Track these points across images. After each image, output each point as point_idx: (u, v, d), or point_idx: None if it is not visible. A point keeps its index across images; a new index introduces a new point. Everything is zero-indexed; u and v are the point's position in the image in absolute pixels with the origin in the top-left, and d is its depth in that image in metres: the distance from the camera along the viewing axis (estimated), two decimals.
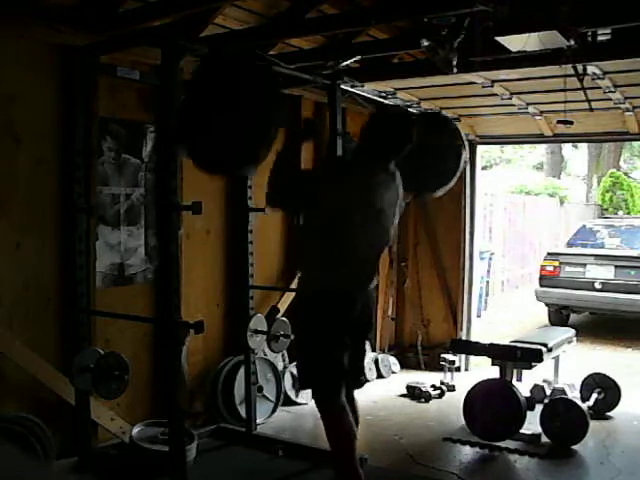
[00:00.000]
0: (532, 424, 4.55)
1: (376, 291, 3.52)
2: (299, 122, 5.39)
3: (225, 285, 4.92)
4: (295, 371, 5.24)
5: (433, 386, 5.67)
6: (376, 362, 6.22)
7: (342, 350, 3.21)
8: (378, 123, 3.38)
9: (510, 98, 5.17)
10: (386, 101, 5.22)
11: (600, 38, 3.68)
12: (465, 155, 4.29)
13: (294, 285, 5.00)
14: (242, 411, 4.66)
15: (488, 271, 10.28)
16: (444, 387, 5.67)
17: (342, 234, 3.18)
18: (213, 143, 3.17)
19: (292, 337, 3.66)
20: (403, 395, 5.69)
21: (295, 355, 3.54)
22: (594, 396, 5.03)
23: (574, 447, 4.42)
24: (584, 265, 8.74)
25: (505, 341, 4.94)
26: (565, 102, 4.54)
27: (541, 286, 9.05)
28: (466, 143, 4.42)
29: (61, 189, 3.77)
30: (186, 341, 4.21)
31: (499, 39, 3.34)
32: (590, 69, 4.04)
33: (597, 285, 8.51)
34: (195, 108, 3.23)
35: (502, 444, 4.44)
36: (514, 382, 4.65)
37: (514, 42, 3.37)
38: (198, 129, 3.22)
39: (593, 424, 4.56)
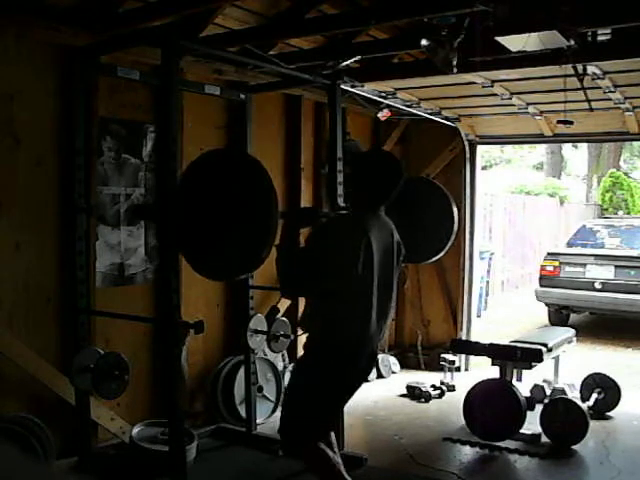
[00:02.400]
0: (532, 424, 4.55)
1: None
2: (299, 121, 5.42)
3: (225, 285, 4.92)
4: None
5: (433, 386, 5.67)
6: (376, 362, 6.22)
7: (340, 406, 3.20)
8: (362, 168, 3.28)
9: (510, 98, 5.17)
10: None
11: (600, 38, 3.68)
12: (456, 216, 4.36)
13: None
14: (242, 411, 4.66)
15: (488, 271, 10.28)
16: (444, 387, 5.67)
17: (345, 287, 3.03)
18: (213, 257, 3.26)
19: (289, 390, 3.51)
20: (403, 395, 5.69)
21: (284, 404, 3.43)
22: (594, 396, 5.03)
23: (574, 447, 4.42)
24: (584, 265, 8.74)
25: (505, 341, 4.94)
26: (565, 102, 4.54)
27: (541, 286, 9.05)
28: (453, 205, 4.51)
29: (61, 189, 3.77)
30: (186, 341, 4.22)
31: (499, 39, 3.34)
32: (590, 69, 4.04)
33: (597, 285, 8.51)
34: (188, 222, 3.29)
35: (502, 444, 4.44)
36: (514, 382, 4.66)
37: (514, 42, 3.37)
38: (196, 244, 3.30)
39: (593, 424, 4.56)
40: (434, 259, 4.74)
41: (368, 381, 5.84)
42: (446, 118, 6.09)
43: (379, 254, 3.08)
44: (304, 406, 3.13)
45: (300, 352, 5.23)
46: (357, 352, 3.10)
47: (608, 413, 5.07)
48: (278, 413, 4.97)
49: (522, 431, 4.51)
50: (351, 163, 3.39)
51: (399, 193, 3.18)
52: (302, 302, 3.41)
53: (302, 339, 3.35)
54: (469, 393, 4.67)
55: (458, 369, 6.08)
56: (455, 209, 4.57)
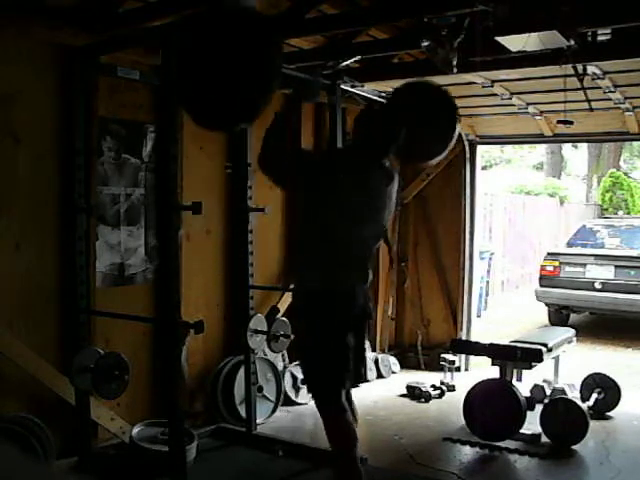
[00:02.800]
0: (532, 424, 4.55)
1: (373, 289, 3.44)
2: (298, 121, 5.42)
3: (225, 285, 4.92)
4: (295, 371, 5.26)
5: (433, 386, 5.66)
6: (376, 362, 6.22)
7: (347, 347, 3.16)
8: (369, 117, 3.33)
9: (510, 98, 5.17)
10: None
11: (600, 38, 3.68)
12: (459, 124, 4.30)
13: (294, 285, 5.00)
14: (242, 411, 4.66)
15: (488, 271, 10.28)
16: (444, 387, 5.67)
17: (337, 225, 3.12)
18: (209, 97, 3.08)
19: (292, 338, 3.60)
20: (403, 395, 5.68)
21: (298, 358, 3.48)
22: (594, 396, 5.03)
23: (574, 447, 4.42)
24: (584, 265, 8.74)
25: (505, 341, 4.94)
26: (565, 102, 4.54)
27: (541, 286, 9.05)
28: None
29: (61, 189, 3.77)
30: (186, 341, 4.22)
31: (499, 39, 3.34)
32: (590, 69, 4.04)
33: (597, 285, 8.51)
34: (188, 63, 3.11)
35: (502, 444, 4.44)
36: (514, 382, 4.65)
37: (514, 42, 3.37)
38: (193, 84, 3.12)
39: (593, 424, 4.56)
40: (438, 158, 4.61)
41: (368, 381, 5.88)
42: None
43: (368, 201, 3.14)
44: (317, 360, 3.18)
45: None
46: (345, 291, 3.16)
47: (608, 413, 5.07)
48: (278, 413, 4.98)
49: (522, 431, 4.51)
50: (359, 113, 3.41)
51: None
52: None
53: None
54: (469, 393, 4.67)
55: (458, 369, 6.08)
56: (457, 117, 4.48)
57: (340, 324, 3.16)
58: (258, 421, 4.61)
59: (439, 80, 4.58)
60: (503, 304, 11.39)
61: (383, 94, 5.21)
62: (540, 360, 4.62)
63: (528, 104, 5.44)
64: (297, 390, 5.27)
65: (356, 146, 3.36)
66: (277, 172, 3.23)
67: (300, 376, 5.21)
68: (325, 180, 3.13)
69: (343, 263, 3.17)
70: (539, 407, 4.64)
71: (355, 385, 3.40)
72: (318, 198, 3.16)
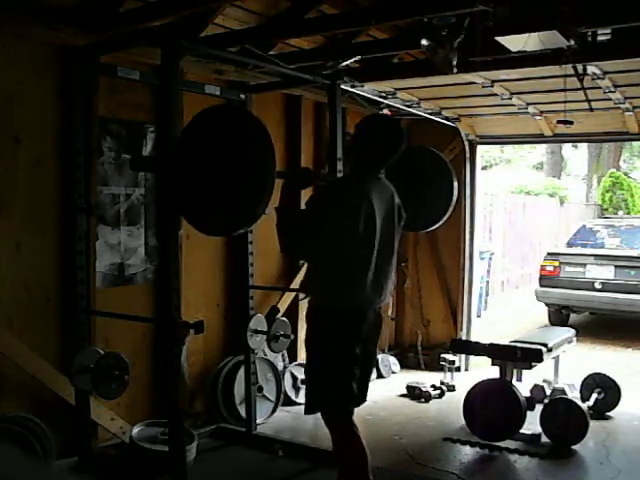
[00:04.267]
0: (532, 424, 4.55)
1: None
2: (299, 121, 5.42)
3: (225, 285, 4.92)
4: (295, 371, 5.26)
5: (433, 386, 5.67)
6: (376, 362, 6.22)
7: (355, 368, 3.12)
8: (363, 131, 3.30)
9: (510, 98, 5.17)
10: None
11: (600, 38, 3.68)
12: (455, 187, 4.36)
13: (294, 285, 5.00)
14: (242, 411, 4.66)
15: (488, 271, 10.27)
16: (444, 387, 5.67)
17: (347, 247, 3.07)
18: (210, 211, 3.24)
19: (305, 359, 3.51)
20: (403, 395, 5.69)
21: (306, 375, 3.42)
22: (594, 396, 5.03)
23: (574, 447, 4.42)
24: (584, 265, 8.74)
25: (505, 341, 4.94)
26: (565, 102, 4.54)
27: (541, 286, 9.05)
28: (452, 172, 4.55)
29: (61, 189, 3.77)
30: (186, 341, 4.22)
31: (499, 39, 3.33)
32: (590, 69, 4.04)
33: (597, 285, 8.51)
34: (187, 175, 3.28)
35: (502, 444, 4.44)
36: (514, 382, 4.65)
37: (514, 42, 3.36)
38: (193, 197, 3.28)
39: (593, 424, 4.56)
40: (432, 228, 4.71)
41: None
42: (446, 118, 6.10)
43: (380, 216, 3.10)
44: (325, 376, 3.13)
45: (299, 352, 5.27)
46: (360, 312, 3.11)
47: (608, 413, 5.07)
48: (278, 413, 4.98)
49: (522, 431, 4.51)
50: (356, 126, 3.39)
51: (400, 160, 3.21)
52: (303, 303, 3.40)
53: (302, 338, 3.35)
54: (469, 393, 4.67)
55: (458, 369, 6.08)
56: (455, 180, 4.56)
57: (351, 337, 3.11)
58: (258, 421, 4.61)
59: (439, 80, 4.62)
60: (503, 304, 11.39)
61: (383, 94, 5.21)
62: (540, 360, 4.62)
63: (528, 104, 5.44)
64: (297, 390, 5.27)
65: (359, 160, 3.29)
66: (302, 255, 3.38)
67: (300, 376, 5.21)
68: (337, 213, 3.06)
69: (362, 281, 3.10)
70: (539, 407, 4.65)
71: (358, 405, 3.34)
72: (335, 229, 3.08)
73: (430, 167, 4.62)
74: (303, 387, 4.95)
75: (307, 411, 3.21)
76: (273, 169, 3.13)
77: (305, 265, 3.48)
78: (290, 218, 3.12)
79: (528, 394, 4.86)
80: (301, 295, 3.72)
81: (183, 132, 3.43)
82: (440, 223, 4.59)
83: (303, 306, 4.31)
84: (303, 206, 3.35)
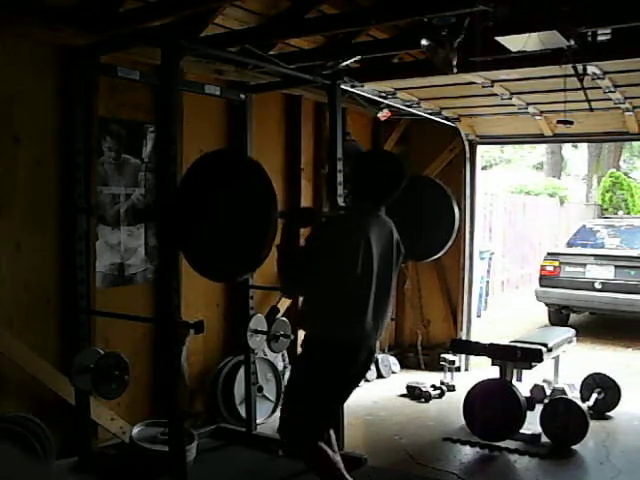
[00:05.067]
0: (532, 424, 4.55)
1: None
2: (299, 121, 5.42)
3: (225, 285, 4.91)
4: None
5: (433, 386, 5.67)
6: (376, 362, 6.22)
7: (339, 402, 3.16)
8: (363, 166, 3.29)
9: (510, 98, 5.17)
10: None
11: (600, 38, 3.68)
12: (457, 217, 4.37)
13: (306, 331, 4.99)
14: (242, 411, 4.66)
15: (488, 271, 10.27)
16: (444, 387, 5.67)
17: (344, 283, 3.05)
18: (213, 258, 3.28)
19: (288, 380, 3.52)
20: (403, 395, 5.69)
21: (284, 403, 3.44)
22: (594, 396, 5.03)
23: (574, 447, 4.42)
24: (584, 265, 8.74)
25: (505, 341, 4.94)
26: (565, 102, 4.54)
27: (541, 286, 9.05)
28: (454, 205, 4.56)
29: (61, 189, 3.77)
30: (186, 341, 4.22)
31: (499, 39, 3.33)
32: (590, 69, 4.04)
33: (597, 285, 8.51)
34: (189, 221, 3.32)
35: (502, 444, 4.44)
36: (514, 382, 4.66)
37: (514, 42, 3.36)
38: (196, 244, 3.32)
39: (593, 424, 4.56)
40: (434, 258, 4.76)
41: (368, 380, 5.89)
42: (446, 118, 6.09)
43: (378, 254, 3.08)
44: (303, 404, 3.12)
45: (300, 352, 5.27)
46: (354, 350, 3.10)
47: (608, 413, 5.07)
48: (278, 413, 4.97)
49: (522, 431, 4.51)
50: (352, 162, 3.38)
51: (401, 192, 3.19)
52: (301, 301, 3.40)
53: (301, 337, 3.35)
54: (469, 393, 4.67)
55: (458, 369, 6.08)
56: (456, 209, 4.58)
57: (339, 377, 3.11)
58: (258, 421, 4.61)
59: (439, 80, 4.62)
60: (503, 304, 11.39)
61: (383, 94, 5.21)
62: (540, 360, 4.62)
63: (528, 104, 5.44)
64: None
65: (361, 195, 3.27)
66: (301, 292, 3.35)
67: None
68: (337, 251, 3.05)
69: (359, 316, 3.08)
70: (539, 407, 4.65)
71: None
72: (333, 267, 3.07)
73: (430, 197, 4.64)
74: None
75: (280, 430, 3.24)
76: (275, 216, 3.15)
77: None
78: (290, 256, 3.10)
79: (528, 394, 4.86)
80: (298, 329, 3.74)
81: (182, 180, 3.47)
82: (442, 252, 4.62)
83: None
84: (302, 243, 3.37)
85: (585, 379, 5.21)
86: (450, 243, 4.60)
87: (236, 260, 3.26)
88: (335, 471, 3.10)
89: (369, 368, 3.34)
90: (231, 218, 3.20)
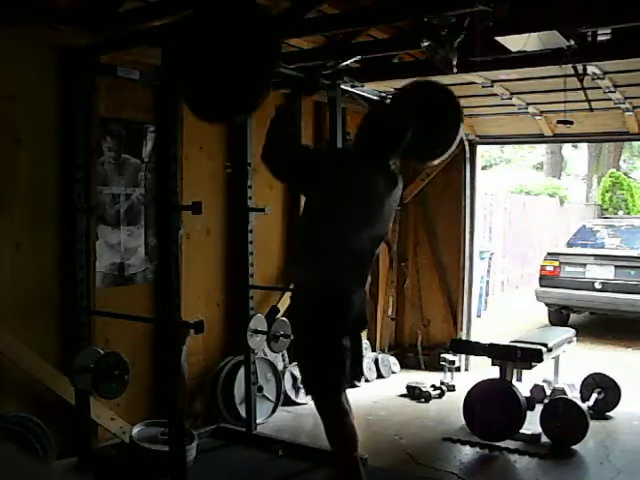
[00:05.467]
0: (532, 424, 4.55)
1: (373, 289, 3.41)
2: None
3: (225, 285, 4.92)
4: (295, 371, 5.25)
5: (433, 386, 5.66)
6: (376, 362, 6.22)
7: (343, 348, 3.15)
8: (373, 122, 3.32)
9: (510, 98, 5.17)
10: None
11: (600, 38, 3.68)
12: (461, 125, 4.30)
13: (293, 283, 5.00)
14: (242, 411, 4.66)
15: (488, 271, 10.27)
16: (444, 387, 5.67)
17: (338, 227, 3.12)
18: (208, 89, 3.10)
19: (291, 337, 3.59)
20: (403, 395, 5.68)
21: (295, 357, 3.48)
22: (594, 396, 5.03)
23: (574, 447, 4.42)
24: (584, 265, 8.74)
25: (505, 341, 4.94)
26: (565, 102, 4.55)
27: (541, 286, 9.05)
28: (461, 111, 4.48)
29: (61, 189, 3.77)
30: (186, 341, 4.22)
31: (499, 39, 3.34)
32: (590, 69, 4.04)
33: (597, 285, 8.51)
34: (188, 54, 3.15)
35: (502, 444, 4.44)
36: (514, 382, 4.65)
37: (514, 42, 3.37)
38: (192, 75, 3.15)
39: (593, 424, 4.56)
40: (435, 162, 4.65)
41: (368, 380, 5.88)
42: None
43: (374, 203, 3.14)
44: (312, 354, 3.18)
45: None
46: (342, 291, 3.15)
47: (608, 413, 5.07)
48: (278, 413, 4.98)
49: (522, 431, 4.51)
50: (364, 116, 3.40)
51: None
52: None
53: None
54: (469, 393, 4.67)
55: (458, 369, 6.08)
56: (462, 117, 4.52)
57: (336, 324, 3.16)
58: (258, 421, 4.61)
59: (439, 80, 4.60)
60: (503, 304, 11.39)
61: (383, 94, 5.21)
62: (540, 360, 4.62)
63: (528, 104, 5.44)
64: (297, 390, 5.27)
65: (361, 149, 3.31)
66: (280, 165, 3.22)
67: (300, 376, 5.21)
68: (328, 180, 3.12)
69: (343, 265, 3.16)
70: (539, 407, 4.64)
71: (352, 385, 3.39)
72: (321, 199, 3.16)
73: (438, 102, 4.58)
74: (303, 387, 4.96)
75: (307, 392, 3.31)
76: (278, 54, 3.09)
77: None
78: (285, 117, 3.18)
79: (528, 394, 4.86)
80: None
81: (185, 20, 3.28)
82: (444, 157, 4.52)
83: None
84: (303, 205, 3.37)
85: (585, 379, 5.20)
86: (452, 149, 4.51)
87: (233, 100, 3.11)
88: (349, 444, 3.14)
89: (365, 317, 3.37)
90: (231, 57, 3.05)
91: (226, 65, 3.04)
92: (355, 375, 3.37)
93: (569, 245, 9.45)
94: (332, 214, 3.13)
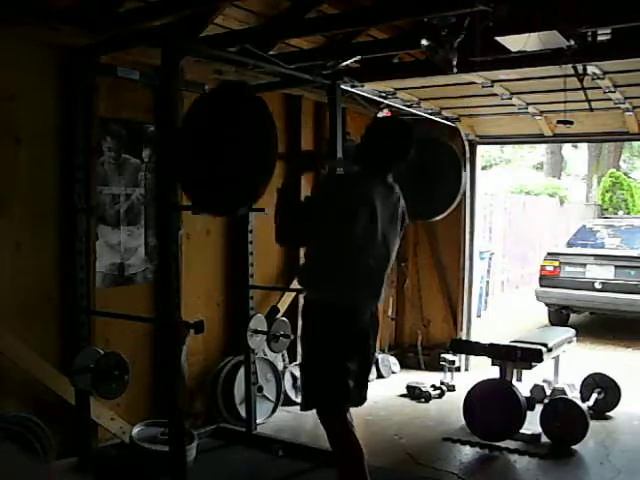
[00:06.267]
0: (532, 424, 4.55)
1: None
2: (299, 121, 5.42)
3: (225, 285, 4.92)
4: (295, 371, 5.26)
5: (433, 386, 5.67)
6: (376, 362, 6.21)
7: (347, 371, 3.11)
8: (374, 132, 3.30)
9: (510, 98, 5.17)
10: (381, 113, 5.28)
11: (600, 38, 3.68)
12: (465, 176, 4.34)
13: (294, 285, 5.00)
14: (242, 411, 4.66)
15: (488, 271, 10.27)
16: (444, 387, 5.67)
17: (346, 246, 3.08)
18: (211, 187, 3.22)
19: (300, 357, 3.49)
20: (403, 395, 5.69)
21: (301, 371, 3.43)
22: (594, 396, 5.03)
23: (574, 447, 4.42)
24: (584, 265, 8.74)
25: (505, 341, 4.94)
26: (565, 102, 4.55)
27: (541, 286, 9.05)
28: (464, 161, 4.55)
29: (61, 189, 3.77)
30: (186, 341, 4.22)
31: (499, 39, 3.34)
32: (590, 69, 4.04)
33: (597, 285, 8.51)
34: (189, 150, 3.28)
35: (502, 444, 4.44)
36: (514, 382, 4.66)
37: (514, 42, 3.37)
38: (195, 174, 3.26)
39: (593, 424, 4.56)
40: (437, 218, 4.72)
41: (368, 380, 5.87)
42: (446, 118, 6.10)
43: (382, 218, 3.10)
44: (319, 375, 3.13)
45: (299, 352, 5.27)
46: (355, 310, 3.11)
47: (608, 413, 5.07)
48: (278, 413, 4.98)
49: (522, 431, 4.51)
50: (367, 127, 3.38)
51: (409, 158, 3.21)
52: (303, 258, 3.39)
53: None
54: (469, 393, 4.67)
55: (458, 369, 6.08)
56: (464, 171, 4.57)
57: (343, 343, 3.11)
58: (258, 421, 4.62)
59: (439, 80, 4.62)
60: (503, 304, 11.39)
61: (383, 94, 5.21)
62: (540, 360, 4.62)
63: (528, 104, 5.44)
64: (297, 390, 5.27)
65: (364, 169, 3.28)
66: (297, 243, 3.40)
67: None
68: (338, 212, 3.06)
69: (358, 282, 3.11)
70: (539, 407, 4.64)
71: (358, 404, 3.33)
72: (332, 224, 3.08)
73: (439, 157, 4.63)
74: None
75: (303, 407, 3.22)
76: (275, 146, 3.13)
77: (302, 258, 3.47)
78: (290, 204, 3.12)
79: (528, 394, 4.86)
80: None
81: (186, 113, 3.44)
82: (446, 213, 4.59)
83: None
84: (305, 195, 3.36)
85: (585, 379, 5.21)
86: (455, 204, 4.57)
87: (234, 194, 3.21)
88: (357, 459, 3.11)
89: (377, 330, 3.31)
90: (232, 151, 3.16)
91: (232, 165, 3.14)
92: (359, 399, 3.31)
93: (569, 245, 9.45)
94: (344, 234, 3.07)
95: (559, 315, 9.07)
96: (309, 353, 3.22)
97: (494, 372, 4.71)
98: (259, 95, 3.31)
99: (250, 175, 3.12)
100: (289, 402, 5.19)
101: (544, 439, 4.52)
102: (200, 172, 3.27)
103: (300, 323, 3.28)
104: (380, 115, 5.62)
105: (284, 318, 4.67)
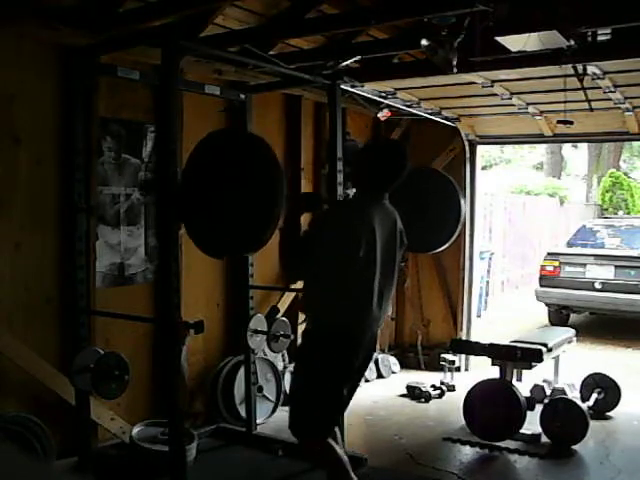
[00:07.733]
0: (532, 424, 4.55)
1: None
2: (299, 121, 5.42)
3: (225, 285, 4.92)
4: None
5: (433, 386, 5.67)
6: (376, 362, 6.22)
7: (341, 397, 3.11)
8: (365, 157, 3.31)
9: (510, 98, 5.17)
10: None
11: (600, 38, 3.68)
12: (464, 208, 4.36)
13: (294, 285, 5.01)
14: (242, 411, 4.66)
15: (488, 271, 10.28)
16: (444, 387, 5.67)
17: (347, 273, 3.05)
18: (218, 233, 3.26)
19: (294, 381, 3.47)
20: (403, 395, 5.69)
21: (291, 393, 3.42)
22: (594, 396, 5.03)
23: (574, 447, 4.42)
24: (584, 265, 8.74)
25: (505, 341, 4.94)
26: (565, 102, 4.55)
27: (541, 286, 9.05)
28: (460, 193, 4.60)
29: (61, 189, 3.77)
30: (186, 341, 4.22)
31: (499, 39, 3.34)
32: (590, 69, 4.04)
33: (597, 285, 8.51)
34: (195, 196, 3.31)
35: (502, 444, 4.44)
36: (514, 382, 4.65)
37: (514, 42, 3.37)
38: (200, 220, 3.31)
39: (593, 424, 4.56)
40: (437, 251, 4.75)
41: (368, 380, 5.88)
42: (446, 118, 6.10)
43: (382, 241, 3.09)
44: (313, 398, 3.11)
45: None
46: (357, 336, 3.10)
47: (608, 413, 5.07)
48: (278, 413, 4.98)
49: (522, 431, 4.51)
50: (358, 151, 3.40)
51: (405, 182, 3.21)
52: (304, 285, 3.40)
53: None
54: (469, 393, 4.67)
55: (458, 369, 6.08)
56: (462, 201, 4.59)
57: (346, 365, 3.10)
58: (258, 421, 4.62)
59: (439, 80, 4.62)
60: (503, 304, 11.39)
61: (383, 94, 5.21)
62: (540, 360, 4.62)
63: (528, 104, 5.44)
64: None
65: (360, 194, 3.28)
66: (303, 277, 3.32)
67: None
68: (340, 238, 3.05)
69: (362, 306, 3.10)
70: (539, 407, 4.65)
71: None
72: (336, 254, 3.06)
73: (437, 188, 4.65)
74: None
75: (294, 433, 3.19)
76: (282, 194, 3.16)
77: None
78: (293, 240, 3.14)
79: (528, 394, 4.86)
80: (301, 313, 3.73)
81: (190, 157, 3.48)
82: (446, 246, 4.64)
83: None
84: (306, 227, 3.37)
85: (585, 379, 5.20)
86: (454, 237, 4.59)
87: (239, 239, 3.24)
88: (342, 468, 3.09)
89: (372, 355, 3.32)
90: (236, 196, 3.18)
91: (236, 213, 3.17)
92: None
93: (569, 245, 9.45)
94: (347, 261, 3.04)
95: (559, 315, 9.07)
96: (306, 380, 3.18)
97: (494, 372, 4.71)
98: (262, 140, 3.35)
99: (255, 223, 3.15)
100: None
101: (544, 439, 4.52)
102: (204, 220, 3.31)
103: (300, 344, 3.27)
104: (379, 115, 5.63)
105: (284, 318, 4.67)
